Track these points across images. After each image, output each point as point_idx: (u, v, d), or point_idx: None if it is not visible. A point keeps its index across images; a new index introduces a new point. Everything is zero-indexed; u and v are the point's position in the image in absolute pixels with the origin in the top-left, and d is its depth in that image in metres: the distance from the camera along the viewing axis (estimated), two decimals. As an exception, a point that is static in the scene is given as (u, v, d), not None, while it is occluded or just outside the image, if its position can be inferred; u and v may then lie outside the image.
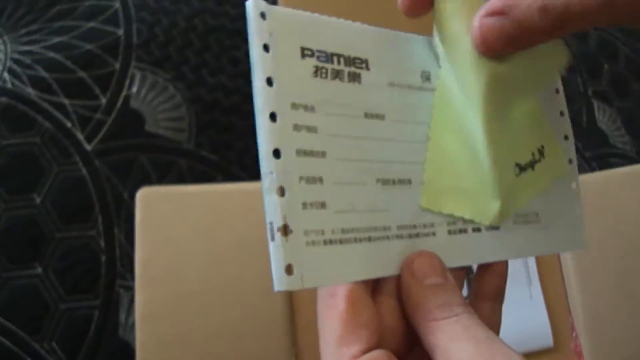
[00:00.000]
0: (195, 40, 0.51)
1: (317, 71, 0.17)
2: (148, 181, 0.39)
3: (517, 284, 0.45)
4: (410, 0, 0.22)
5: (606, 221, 0.46)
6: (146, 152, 0.47)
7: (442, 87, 0.20)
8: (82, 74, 0.50)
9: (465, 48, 0.20)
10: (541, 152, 0.21)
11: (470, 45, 0.19)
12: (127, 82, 0.49)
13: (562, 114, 0.22)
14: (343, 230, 0.17)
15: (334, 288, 0.20)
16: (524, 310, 0.45)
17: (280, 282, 0.15)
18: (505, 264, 0.23)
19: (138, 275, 0.38)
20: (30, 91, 0.48)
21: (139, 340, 0.36)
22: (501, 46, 0.21)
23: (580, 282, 0.45)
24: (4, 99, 0.48)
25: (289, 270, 0.15)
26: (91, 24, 0.53)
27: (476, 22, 0.21)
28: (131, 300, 0.45)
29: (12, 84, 0.49)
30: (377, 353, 0.19)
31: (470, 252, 0.20)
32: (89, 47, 0.51)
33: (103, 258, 0.45)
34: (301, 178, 0.16)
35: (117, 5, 0.55)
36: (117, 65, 0.49)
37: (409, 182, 0.19)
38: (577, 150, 0.59)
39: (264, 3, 0.16)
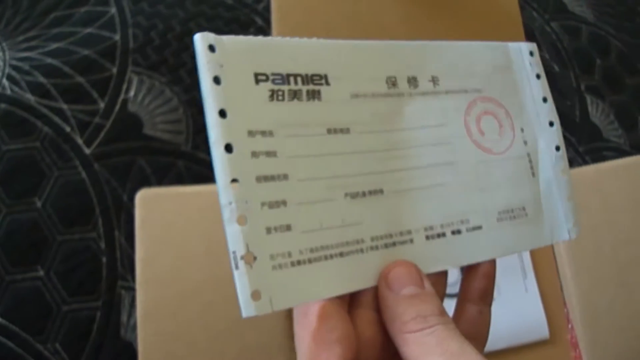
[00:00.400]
0: (191, 43, 0.51)
1: (273, 94, 0.17)
2: (147, 183, 0.40)
3: (512, 277, 0.46)
4: None
5: (600, 213, 0.47)
6: (145, 154, 0.48)
7: None
8: (80, 79, 0.50)
9: None
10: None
11: None
12: (125, 86, 0.50)
13: (551, 124, 0.22)
14: (312, 250, 0.17)
15: (306, 306, 0.19)
16: (520, 303, 0.45)
17: (247, 309, 0.15)
18: (492, 264, 0.23)
19: (139, 275, 0.38)
20: (30, 97, 0.49)
21: (141, 338, 0.37)
22: None
23: (574, 274, 0.46)
24: (3, 105, 0.49)
25: (255, 296, 0.15)
26: (88, 30, 0.54)
27: None
28: (132, 301, 0.45)
29: (11, 90, 0.49)
30: None
31: (451, 256, 0.20)
32: (86, 52, 0.52)
33: (104, 260, 0.46)
34: (263, 204, 0.16)
35: (113, 10, 0.56)
36: (115, 70, 0.50)
37: (381, 191, 0.19)
38: (571, 144, 0.60)
39: (212, 35, 0.16)
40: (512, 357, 0.35)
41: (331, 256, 0.17)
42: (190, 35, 0.56)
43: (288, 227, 0.16)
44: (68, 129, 0.48)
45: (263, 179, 0.16)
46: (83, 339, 0.45)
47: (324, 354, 0.18)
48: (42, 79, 0.50)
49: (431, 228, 0.19)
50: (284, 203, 0.17)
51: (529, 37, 0.56)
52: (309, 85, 0.18)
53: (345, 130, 0.18)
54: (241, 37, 0.16)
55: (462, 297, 0.23)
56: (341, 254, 0.17)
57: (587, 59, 0.66)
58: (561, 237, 0.22)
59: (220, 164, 0.15)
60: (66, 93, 0.50)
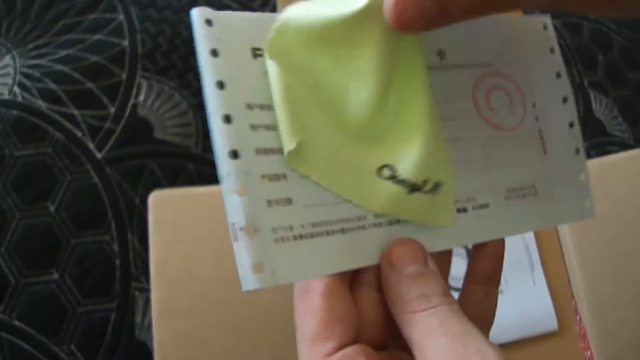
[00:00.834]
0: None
1: None
2: (158, 186, 0.41)
3: (520, 270, 0.46)
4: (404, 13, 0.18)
5: (605, 206, 0.47)
6: (155, 158, 0.49)
7: None
8: (90, 85, 0.51)
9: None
10: (427, 181, 0.19)
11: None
12: (134, 91, 0.50)
13: (565, 100, 0.21)
14: (313, 224, 0.17)
15: (308, 283, 0.19)
16: (528, 296, 0.45)
17: (248, 281, 0.15)
18: (500, 245, 0.22)
19: (153, 275, 0.39)
20: (41, 103, 0.50)
21: (156, 337, 0.37)
22: (420, 26, 0.18)
23: (582, 267, 0.46)
24: (15, 112, 0.50)
25: (258, 268, 0.15)
26: (97, 37, 0.55)
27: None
28: (146, 302, 0.46)
29: (23, 97, 0.50)
30: (350, 350, 0.18)
31: (456, 234, 0.19)
32: (95, 58, 0.53)
33: (117, 262, 0.47)
34: (263, 176, 0.16)
35: (121, 17, 0.57)
36: (124, 75, 0.51)
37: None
38: (575, 140, 0.60)
39: (210, 10, 0.16)
40: (522, 349, 0.36)
41: (333, 232, 0.17)
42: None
43: (289, 201, 0.16)
44: (79, 134, 0.49)
45: (263, 151, 0.16)
46: (98, 339, 0.46)
47: (325, 333, 0.18)
48: (52, 86, 0.51)
49: None
50: (284, 176, 0.16)
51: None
52: None
53: None
54: (239, 13, 0.17)
55: (468, 279, 0.23)
56: (343, 230, 0.17)
57: (590, 55, 0.66)
58: (574, 217, 0.22)
59: (219, 134, 0.15)
60: (77, 99, 0.51)
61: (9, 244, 0.47)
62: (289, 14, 0.17)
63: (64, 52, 0.53)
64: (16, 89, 0.51)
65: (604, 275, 0.45)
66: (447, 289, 0.19)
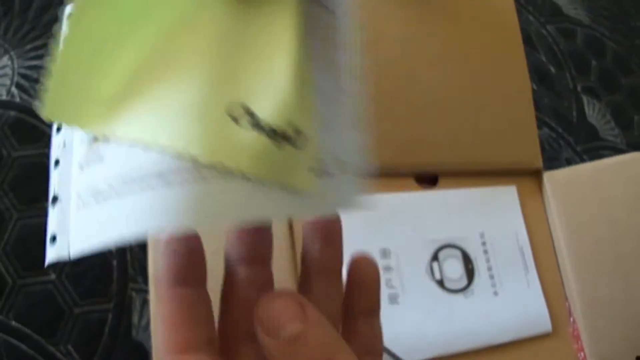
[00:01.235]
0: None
1: None
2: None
3: (514, 272, 0.47)
4: None
5: (598, 209, 0.48)
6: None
7: None
8: (88, 86, 0.51)
9: None
10: (295, 130, 0.15)
11: None
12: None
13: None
14: (124, 182, 0.14)
15: (160, 294, 0.18)
16: (522, 298, 0.46)
17: (48, 256, 0.14)
18: (376, 273, 0.21)
19: (151, 274, 0.39)
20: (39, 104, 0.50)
21: (155, 335, 0.37)
22: None
23: (575, 269, 0.47)
24: (13, 113, 0.50)
25: (53, 240, 0.14)
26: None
27: None
28: (143, 303, 0.46)
29: (21, 97, 0.50)
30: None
31: (316, 201, 0.16)
32: (94, 59, 0.53)
33: (114, 263, 0.47)
34: (81, 140, 0.15)
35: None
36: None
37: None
38: (569, 144, 0.61)
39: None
40: (516, 350, 0.36)
41: (143, 189, 0.14)
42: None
43: (101, 159, 0.15)
44: (77, 135, 0.49)
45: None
46: (95, 340, 0.46)
47: (179, 339, 0.17)
48: (51, 87, 0.51)
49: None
50: (102, 138, 0.15)
51: (526, 40, 0.57)
52: None
53: None
54: None
55: (347, 315, 0.21)
56: (155, 187, 0.14)
57: (583, 61, 0.67)
58: (347, 206, 0.18)
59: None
60: (75, 100, 0.51)
61: (6, 244, 0.47)
62: None
63: (62, 54, 0.53)
64: (14, 89, 0.51)
65: (597, 278, 0.46)
66: (332, 333, 0.17)
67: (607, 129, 0.61)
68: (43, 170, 0.49)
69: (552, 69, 0.60)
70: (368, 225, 0.42)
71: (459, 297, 0.43)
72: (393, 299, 0.40)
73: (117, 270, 0.46)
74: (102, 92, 0.14)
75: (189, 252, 0.19)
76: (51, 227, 0.14)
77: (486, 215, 0.47)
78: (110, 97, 0.14)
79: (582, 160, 0.56)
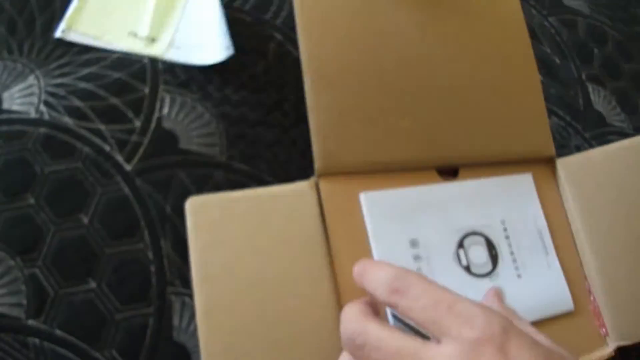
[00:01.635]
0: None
1: None
2: (187, 194, 0.43)
3: (535, 255, 0.48)
4: None
5: (610, 191, 0.49)
6: (183, 167, 0.51)
7: None
8: (114, 100, 0.53)
9: None
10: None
11: None
12: (158, 104, 0.53)
13: None
14: None
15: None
16: (544, 279, 0.48)
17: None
18: None
19: (195, 276, 0.41)
20: (68, 120, 0.52)
21: (202, 334, 0.39)
22: None
23: (592, 249, 0.48)
24: (43, 130, 0.52)
25: None
26: (117, 55, 0.57)
27: None
28: (182, 305, 0.48)
29: (49, 115, 0.52)
30: None
31: None
32: (117, 75, 0.55)
33: (152, 268, 0.49)
34: None
35: (139, 34, 0.59)
36: (147, 90, 0.53)
37: None
38: (578, 131, 0.63)
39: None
40: (541, 328, 0.38)
41: None
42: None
43: None
44: (108, 148, 0.51)
45: None
46: (138, 344, 0.48)
47: None
48: (78, 103, 0.53)
49: None
50: None
51: (530, 33, 0.59)
52: None
53: None
54: None
55: None
56: None
57: (586, 50, 0.69)
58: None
59: None
60: (103, 114, 0.53)
61: (45, 257, 0.49)
62: None
63: (86, 70, 0.55)
64: (42, 107, 0.53)
65: (614, 256, 0.48)
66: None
67: (614, 114, 0.63)
68: (76, 184, 0.51)
69: (557, 60, 0.62)
70: (397, 217, 0.44)
71: (485, 281, 0.45)
72: (426, 286, 0.42)
73: (155, 275, 0.48)
74: None
75: None
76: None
77: (505, 202, 0.49)
78: None
79: (591, 146, 0.58)
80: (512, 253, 0.46)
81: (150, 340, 0.48)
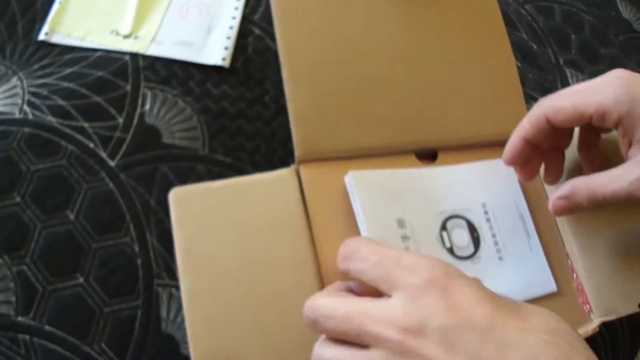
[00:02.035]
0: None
1: None
2: (171, 187, 0.43)
3: (517, 238, 0.49)
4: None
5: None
6: (166, 161, 0.51)
7: None
8: (97, 98, 0.54)
9: None
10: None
11: None
12: (140, 101, 0.53)
13: None
14: None
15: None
16: (526, 262, 0.48)
17: None
18: None
19: (180, 265, 0.41)
20: (51, 119, 0.52)
21: (188, 320, 0.40)
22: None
23: (573, 227, 0.49)
24: (27, 129, 0.52)
25: None
26: (99, 53, 0.57)
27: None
28: (170, 297, 0.48)
29: (33, 114, 0.53)
30: None
31: None
32: (99, 73, 0.55)
33: (139, 261, 0.49)
34: None
35: (120, 33, 0.60)
36: (129, 87, 0.54)
37: None
38: (557, 115, 0.63)
39: None
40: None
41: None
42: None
43: None
44: (91, 145, 0.51)
45: None
46: (127, 336, 0.48)
47: None
48: (61, 102, 0.54)
49: None
50: None
51: (507, 21, 0.60)
52: None
53: None
54: None
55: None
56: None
57: (563, 36, 0.70)
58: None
59: None
60: (86, 112, 0.54)
61: (33, 253, 0.50)
62: None
63: (68, 70, 0.56)
64: (26, 107, 0.53)
65: (594, 233, 0.48)
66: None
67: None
68: (62, 181, 0.51)
69: (534, 46, 0.63)
70: (384, 197, 0.44)
71: (467, 263, 0.46)
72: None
73: (142, 268, 0.49)
74: None
75: None
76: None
77: (486, 186, 0.49)
78: None
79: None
80: (494, 235, 0.47)
81: (139, 332, 0.49)
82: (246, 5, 0.63)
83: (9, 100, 0.55)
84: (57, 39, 0.60)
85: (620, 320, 0.51)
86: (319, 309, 0.34)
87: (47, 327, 0.48)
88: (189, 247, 0.41)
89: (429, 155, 0.49)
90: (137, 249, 0.50)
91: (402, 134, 0.47)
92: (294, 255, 0.42)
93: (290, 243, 0.42)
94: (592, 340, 0.50)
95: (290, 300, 0.41)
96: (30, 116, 0.54)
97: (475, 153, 0.50)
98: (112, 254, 0.50)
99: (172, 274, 0.50)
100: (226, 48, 0.59)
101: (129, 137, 0.54)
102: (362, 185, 0.43)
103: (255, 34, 0.63)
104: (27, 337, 0.48)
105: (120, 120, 0.54)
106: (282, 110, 0.44)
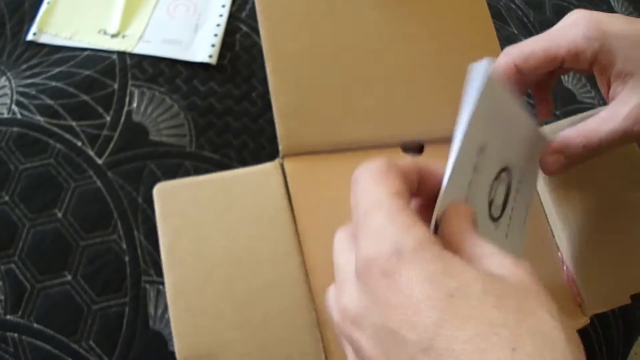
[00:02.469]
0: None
1: None
2: (159, 184, 0.43)
3: (520, 223, 0.48)
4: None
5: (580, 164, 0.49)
6: (153, 158, 0.51)
7: None
8: (84, 97, 0.54)
9: None
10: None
11: None
12: (127, 99, 0.53)
13: None
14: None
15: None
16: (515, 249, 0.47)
17: None
18: None
19: (165, 260, 0.41)
20: (39, 118, 0.52)
21: (172, 315, 0.40)
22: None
23: (561, 219, 0.49)
24: (15, 129, 0.52)
25: None
26: (87, 53, 0.57)
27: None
28: (157, 293, 0.48)
29: (21, 114, 0.53)
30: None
31: None
32: (87, 72, 0.55)
33: (126, 259, 0.49)
34: None
35: (108, 32, 0.60)
36: (116, 86, 0.54)
37: None
38: (547, 109, 0.63)
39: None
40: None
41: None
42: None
43: None
44: (79, 144, 0.51)
45: None
46: (115, 333, 0.48)
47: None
48: (49, 101, 0.54)
49: None
50: None
51: (497, 15, 0.60)
52: None
53: None
54: None
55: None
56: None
57: (553, 29, 0.70)
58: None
59: None
60: (73, 111, 0.54)
61: (21, 252, 0.49)
62: None
63: (56, 70, 0.56)
64: (14, 107, 0.53)
65: (584, 224, 0.48)
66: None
67: (584, 92, 0.64)
68: (49, 179, 0.51)
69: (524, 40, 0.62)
70: (495, 110, 0.40)
71: (492, 227, 0.44)
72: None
73: (129, 265, 0.49)
74: None
75: None
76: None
77: (535, 156, 0.47)
78: None
79: (561, 123, 0.58)
80: (512, 209, 0.41)
81: (127, 329, 0.49)
82: (233, 3, 0.64)
83: (-2, 101, 0.55)
84: (45, 39, 0.60)
85: (614, 315, 0.51)
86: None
87: (35, 325, 0.48)
88: (173, 242, 0.41)
89: (415, 149, 0.49)
90: (124, 246, 0.50)
91: (387, 127, 0.47)
92: (279, 249, 0.41)
93: (275, 237, 0.42)
94: (586, 336, 0.50)
95: (275, 294, 0.40)
96: (19, 116, 0.54)
97: (462, 145, 0.49)
98: (99, 252, 0.50)
99: (160, 270, 0.50)
100: (213, 45, 0.59)
101: (116, 135, 0.54)
102: (492, 85, 0.33)
103: (242, 31, 0.63)
104: (15, 335, 0.48)
105: (108, 118, 0.54)
106: (269, 107, 0.44)
